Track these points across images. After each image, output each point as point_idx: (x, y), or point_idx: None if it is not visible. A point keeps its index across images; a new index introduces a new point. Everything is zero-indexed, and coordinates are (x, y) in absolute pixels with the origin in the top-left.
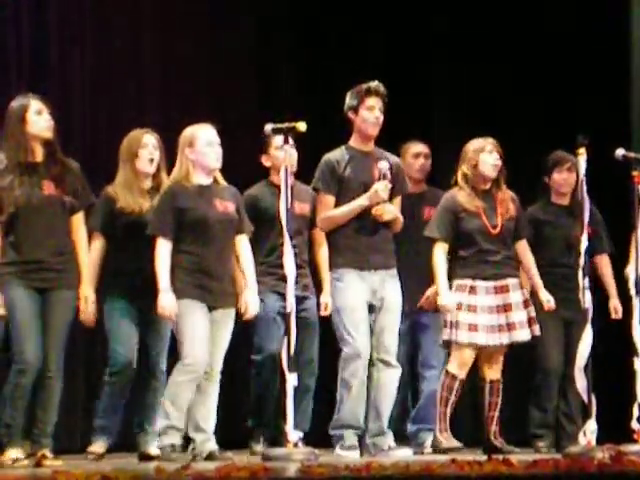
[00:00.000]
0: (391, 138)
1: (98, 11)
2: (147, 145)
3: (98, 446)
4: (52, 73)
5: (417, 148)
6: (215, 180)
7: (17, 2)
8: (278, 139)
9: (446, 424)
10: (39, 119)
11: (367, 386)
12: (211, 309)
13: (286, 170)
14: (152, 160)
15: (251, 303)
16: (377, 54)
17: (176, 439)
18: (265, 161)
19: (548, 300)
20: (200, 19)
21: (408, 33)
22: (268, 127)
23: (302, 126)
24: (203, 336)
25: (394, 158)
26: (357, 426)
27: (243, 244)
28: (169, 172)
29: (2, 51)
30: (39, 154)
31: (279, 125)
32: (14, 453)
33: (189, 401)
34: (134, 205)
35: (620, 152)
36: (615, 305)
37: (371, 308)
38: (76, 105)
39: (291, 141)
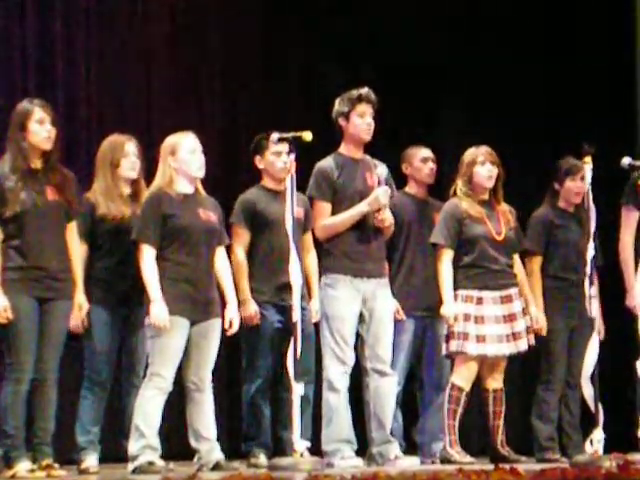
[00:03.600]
0: (395, 144)
1: (104, 15)
2: (129, 154)
3: (91, 461)
4: (57, 79)
5: (425, 153)
6: (197, 190)
7: (23, 9)
8: (276, 146)
9: (456, 437)
10: (40, 129)
11: (365, 397)
12: (196, 322)
13: (292, 179)
14: (134, 168)
15: (234, 319)
16: (385, 62)
17: (154, 457)
18: (259, 162)
19: (536, 319)
20: (208, 23)
21: (416, 40)
22: (274, 136)
23: (308, 135)
24: (176, 357)
25: (384, 166)
26: (350, 440)
27: (222, 256)
28: (148, 180)
29: (7, 57)
30: (38, 162)
31: (285, 134)
32: (27, 464)
33: (159, 417)
34: (116, 212)
35: (626, 160)
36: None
37: (360, 317)
38: (82, 111)
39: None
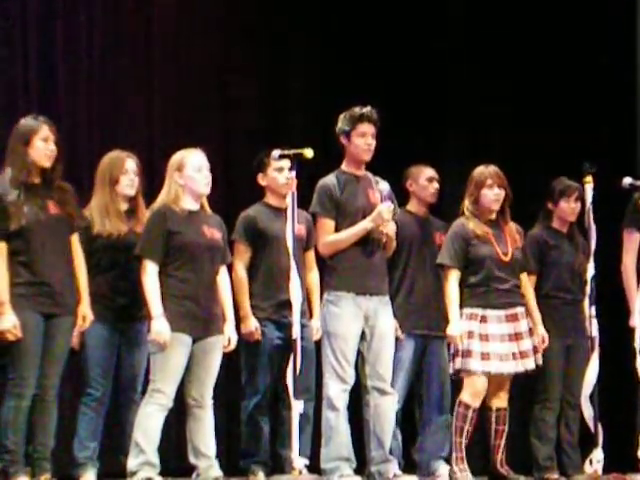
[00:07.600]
0: (399, 163)
1: (106, 34)
2: (128, 172)
3: (89, 477)
4: (59, 94)
5: (430, 172)
6: (202, 207)
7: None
8: (278, 162)
9: (463, 454)
10: (44, 146)
11: (365, 415)
12: (199, 338)
13: (293, 196)
14: (133, 186)
15: (232, 336)
16: (388, 80)
17: (153, 474)
18: (261, 180)
19: (544, 337)
20: (209, 40)
21: (422, 60)
22: (276, 153)
23: (309, 152)
24: (177, 373)
25: (386, 183)
26: (349, 458)
27: (223, 274)
28: (149, 196)
29: (10, 72)
30: (37, 177)
31: (286, 151)
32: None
33: (159, 433)
34: (111, 229)
35: (627, 180)
36: None
37: (362, 335)
38: (83, 129)
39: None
